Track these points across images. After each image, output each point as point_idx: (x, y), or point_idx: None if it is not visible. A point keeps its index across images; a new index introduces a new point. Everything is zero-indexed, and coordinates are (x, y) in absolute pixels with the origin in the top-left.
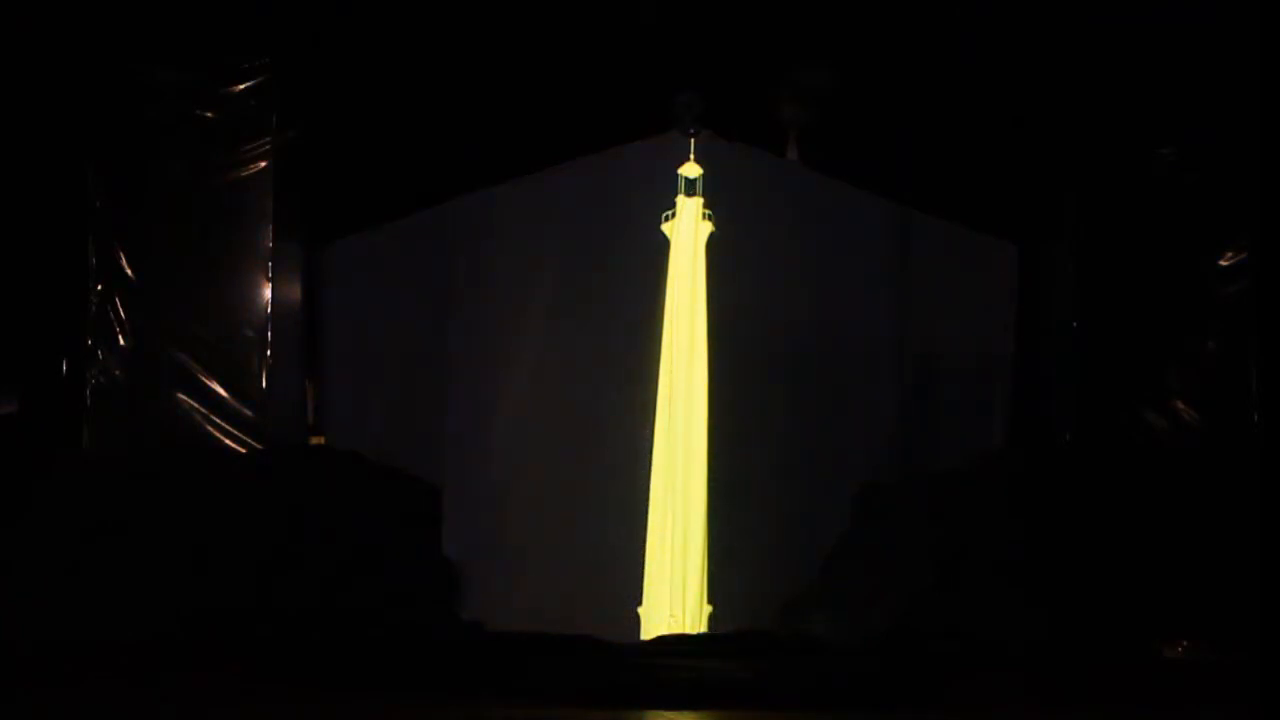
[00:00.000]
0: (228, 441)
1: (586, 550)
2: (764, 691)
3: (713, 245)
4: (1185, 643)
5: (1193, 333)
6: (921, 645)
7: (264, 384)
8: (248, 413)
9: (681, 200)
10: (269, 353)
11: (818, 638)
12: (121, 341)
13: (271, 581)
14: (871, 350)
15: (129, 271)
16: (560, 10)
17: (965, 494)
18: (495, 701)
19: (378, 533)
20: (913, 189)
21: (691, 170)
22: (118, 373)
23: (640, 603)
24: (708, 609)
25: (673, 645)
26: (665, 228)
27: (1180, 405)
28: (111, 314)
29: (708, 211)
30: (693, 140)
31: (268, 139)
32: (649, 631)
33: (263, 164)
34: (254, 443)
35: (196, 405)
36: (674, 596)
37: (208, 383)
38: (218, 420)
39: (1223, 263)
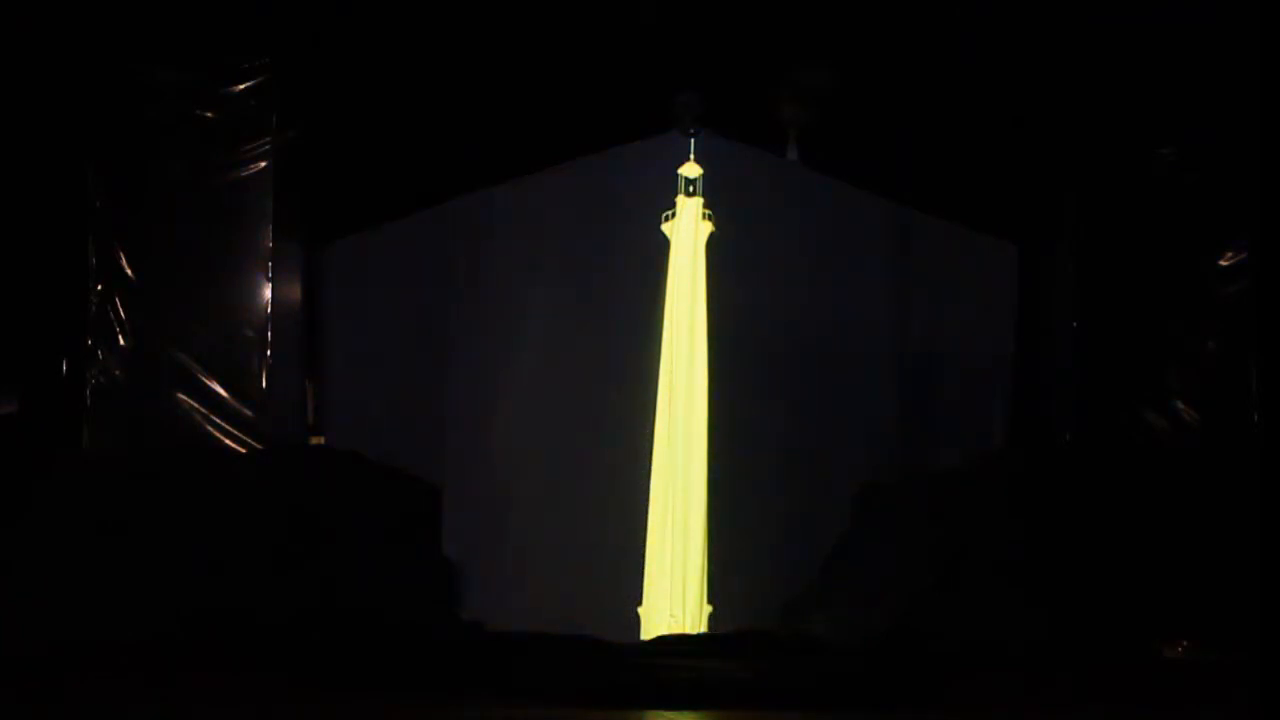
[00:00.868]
0: (228, 441)
1: (586, 550)
2: (764, 691)
3: (713, 245)
4: (1185, 643)
5: (1193, 333)
6: (921, 645)
7: (264, 384)
8: (248, 413)
9: (681, 200)
10: (269, 353)
11: (818, 638)
12: (121, 341)
13: (271, 581)
14: (871, 350)
15: (129, 271)
16: (560, 10)
17: (965, 494)
18: (495, 701)
19: (378, 533)
20: (913, 189)
21: (691, 170)
22: (118, 373)
23: (640, 603)
24: (708, 609)
25: (673, 645)
26: (665, 228)
27: (1180, 405)
28: (111, 314)
29: (708, 211)
30: (693, 140)
31: (268, 139)
32: (649, 631)
33: (263, 164)
34: (254, 443)
35: (196, 405)
36: (674, 596)
37: (208, 383)
38: (218, 420)
39: (1223, 263)
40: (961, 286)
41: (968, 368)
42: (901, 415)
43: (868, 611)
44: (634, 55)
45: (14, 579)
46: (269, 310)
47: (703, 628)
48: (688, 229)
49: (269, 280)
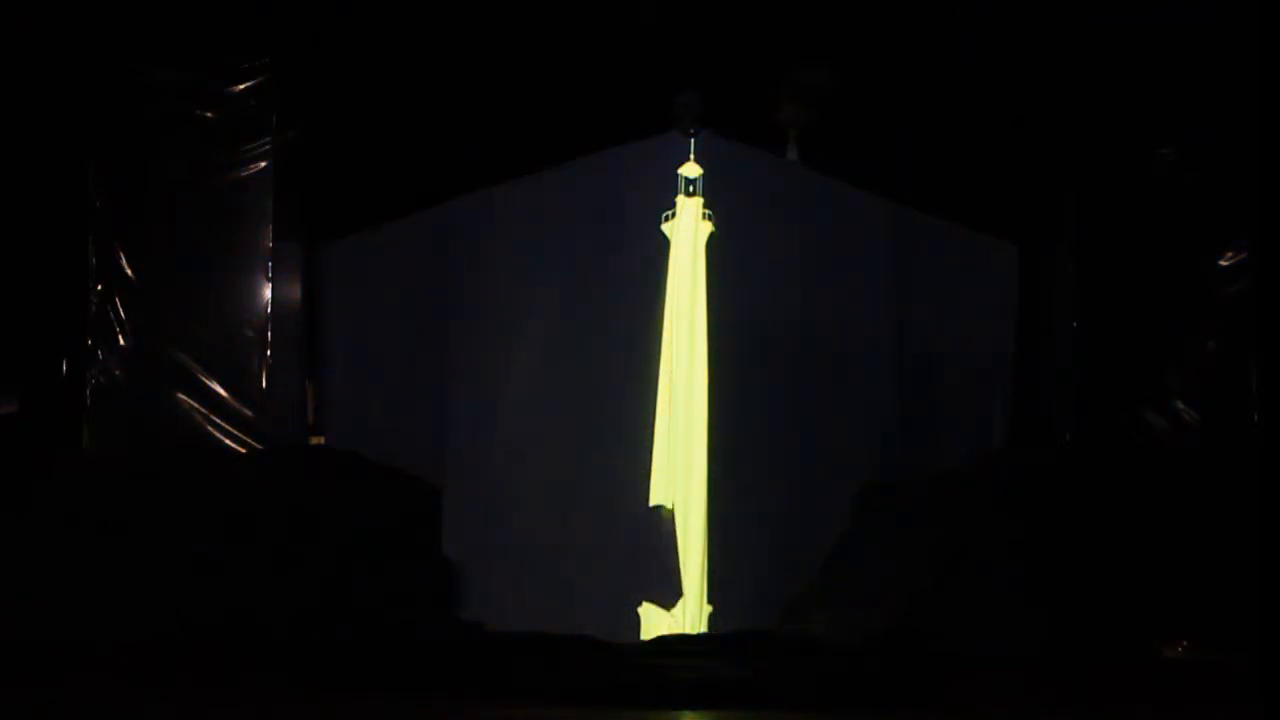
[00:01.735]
0: (228, 441)
1: (586, 550)
2: (764, 691)
3: (713, 245)
4: (1185, 643)
5: (1193, 333)
6: (921, 645)
7: (264, 384)
8: (248, 413)
9: (681, 200)
10: (269, 353)
11: (818, 638)
12: (121, 341)
13: (271, 581)
14: (871, 350)
15: (129, 271)
16: (560, 10)
17: (965, 494)
18: (495, 701)
19: (378, 533)
20: (913, 189)
21: (691, 170)
22: (118, 373)
23: (640, 603)
24: (708, 609)
25: (673, 645)
26: (665, 228)
27: (1180, 405)
28: (111, 314)
29: (708, 211)
30: (693, 140)
31: (268, 139)
32: (649, 631)
33: (263, 164)
34: (254, 443)
35: (196, 405)
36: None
37: (208, 383)
38: (218, 420)
39: (1223, 263)
40: (961, 286)
41: (968, 368)
42: (901, 415)
43: (868, 611)
44: (634, 55)
45: (14, 579)
46: (269, 310)
47: (703, 628)
48: (688, 229)
49: (269, 280)
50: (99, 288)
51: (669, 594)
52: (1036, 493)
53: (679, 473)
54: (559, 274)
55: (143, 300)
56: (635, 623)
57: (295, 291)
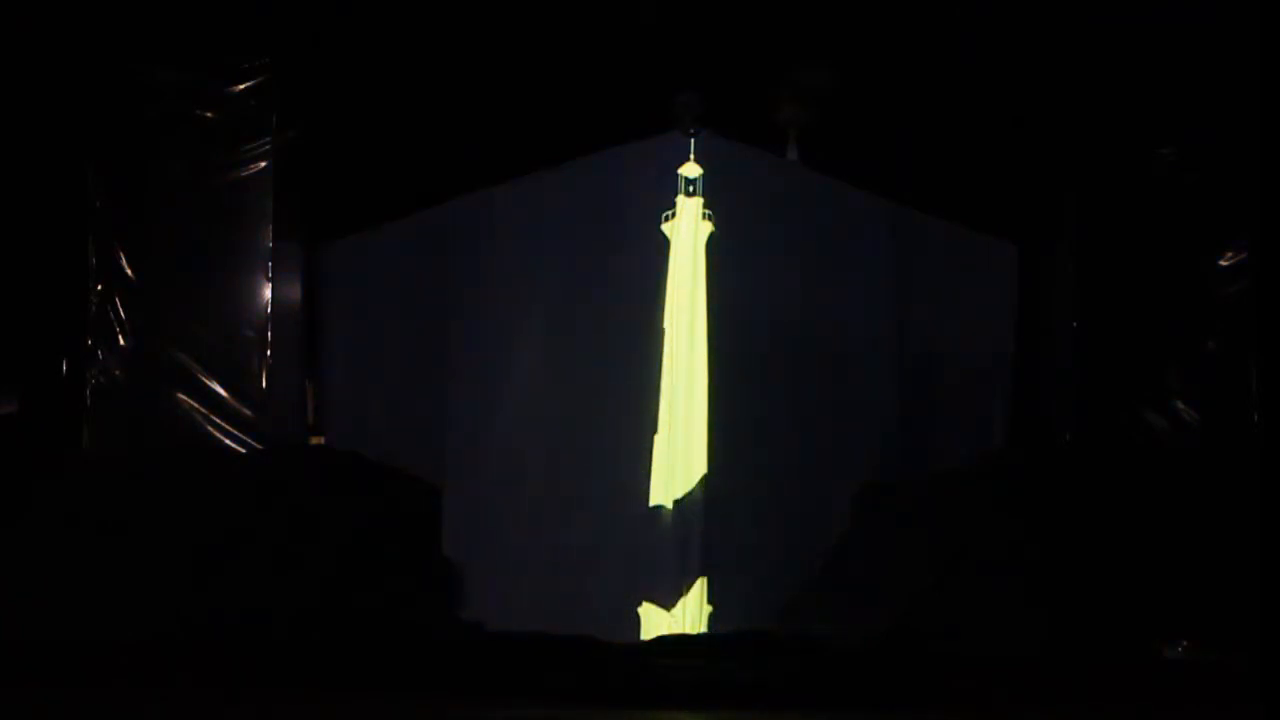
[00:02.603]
0: (228, 441)
1: (586, 550)
2: (764, 691)
3: (713, 245)
4: (1185, 643)
5: (1193, 333)
6: (921, 645)
7: (264, 384)
8: (248, 413)
9: (681, 200)
10: (269, 353)
11: (818, 638)
12: (121, 341)
13: (271, 581)
14: (871, 350)
15: (129, 271)
16: (560, 10)
17: (965, 494)
18: (495, 701)
19: (378, 533)
20: (913, 189)
21: (691, 170)
22: (118, 373)
23: (640, 603)
24: (708, 609)
25: (673, 645)
26: (665, 228)
27: (1180, 405)
28: (111, 314)
29: (708, 211)
30: (693, 140)
31: (268, 139)
32: (649, 631)
33: (263, 164)
34: (254, 443)
35: (196, 405)
36: (674, 596)
37: (208, 383)
38: (218, 420)
39: (1223, 263)
40: (961, 286)
41: (968, 368)
42: (901, 415)
43: (868, 611)
44: (634, 55)
45: (14, 579)
46: (269, 310)
47: (703, 628)
48: (688, 229)
49: (269, 280)
50: (99, 288)
51: (669, 594)
52: (1036, 493)
53: (679, 473)
54: (559, 274)
55: (143, 300)
56: (635, 623)
57: (295, 291)
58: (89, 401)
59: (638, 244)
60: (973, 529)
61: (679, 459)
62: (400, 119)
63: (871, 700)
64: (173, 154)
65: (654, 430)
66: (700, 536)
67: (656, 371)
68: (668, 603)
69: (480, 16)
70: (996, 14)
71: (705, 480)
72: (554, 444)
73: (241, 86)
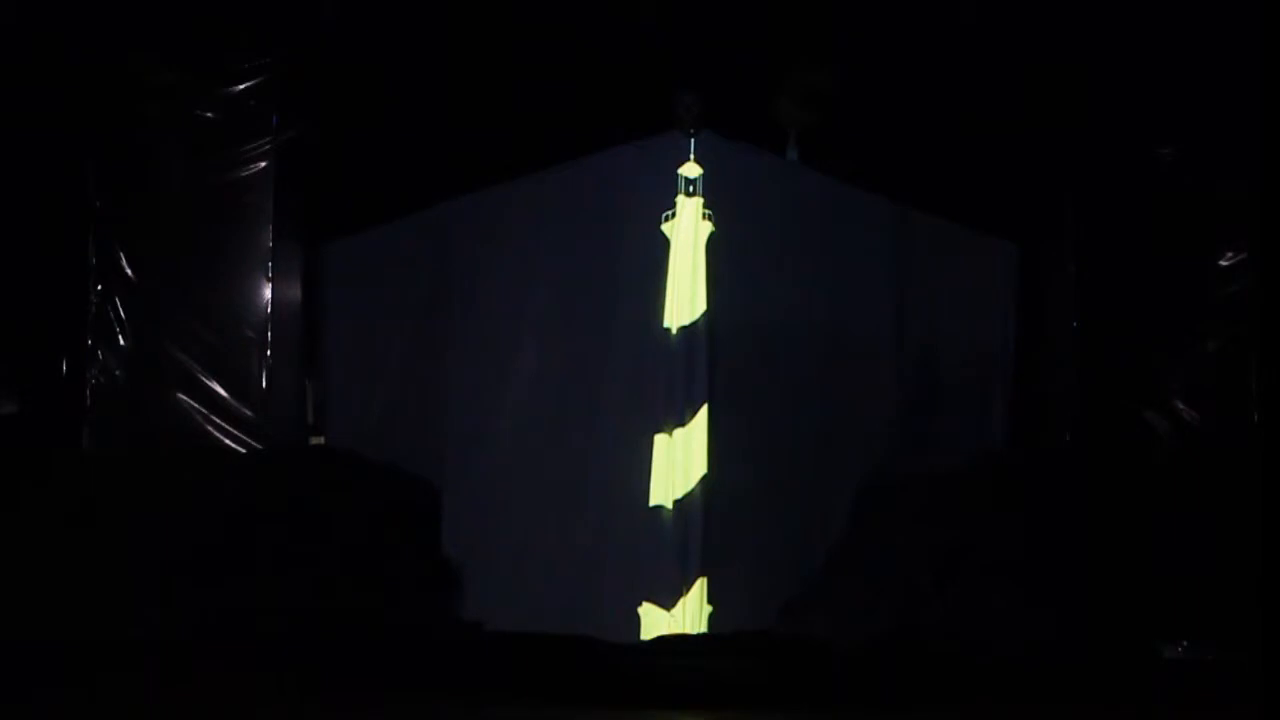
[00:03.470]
0: (228, 441)
1: (586, 550)
2: (764, 691)
3: (713, 245)
4: (1185, 643)
5: (1193, 333)
6: (921, 645)
7: (264, 384)
8: (248, 413)
9: (681, 200)
10: (269, 353)
11: (818, 638)
12: (121, 341)
13: (271, 581)
14: (871, 350)
15: (129, 271)
16: (560, 10)
17: (965, 494)
18: (495, 701)
19: (378, 533)
20: (912, 189)
21: (691, 170)
22: (118, 373)
23: (640, 603)
24: (708, 609)
25: (673, 645)
26: (665, 228)
27: (1180, 405)
28: (111, 314)
29: (708, 211)
30: (693, 140)
31: (268, 139)
32: (649, 631)
33: (263, 164)
34: (254, 443)
35: (196, 405)
36: (674, 596)
37: (208, 383)
38: (218, 420)
39: (1223, 263)
40: (961, 286)
41: (967, 368)
42: (901, 415)
43: (868, 611)
44: (634, 55)
45: (13, 579)
46: (269, 310)
47: (703, 628)
48: (688, 229)
49: (269, 280)
50: (99, 288)
51: (669, 594)
52: (1036, 493)
53: (679, 473)
54: (559, 274)
55: (143, 300)
56: (635, 623)
57: (295, 291)
58: (89, 401)
59: (638, 244)
60: (973, 529)
61: (679, 459)
62: (400, 119)
63: (871, 700)
64: (173, 154)
65: (654, 430)
66: (700, 536)
67: (656, 372)
68: (668, 603)
69: (480, 16)
70: (996, 14)
71: (705, 480)
72: (554, 444)
73: (241, 86)
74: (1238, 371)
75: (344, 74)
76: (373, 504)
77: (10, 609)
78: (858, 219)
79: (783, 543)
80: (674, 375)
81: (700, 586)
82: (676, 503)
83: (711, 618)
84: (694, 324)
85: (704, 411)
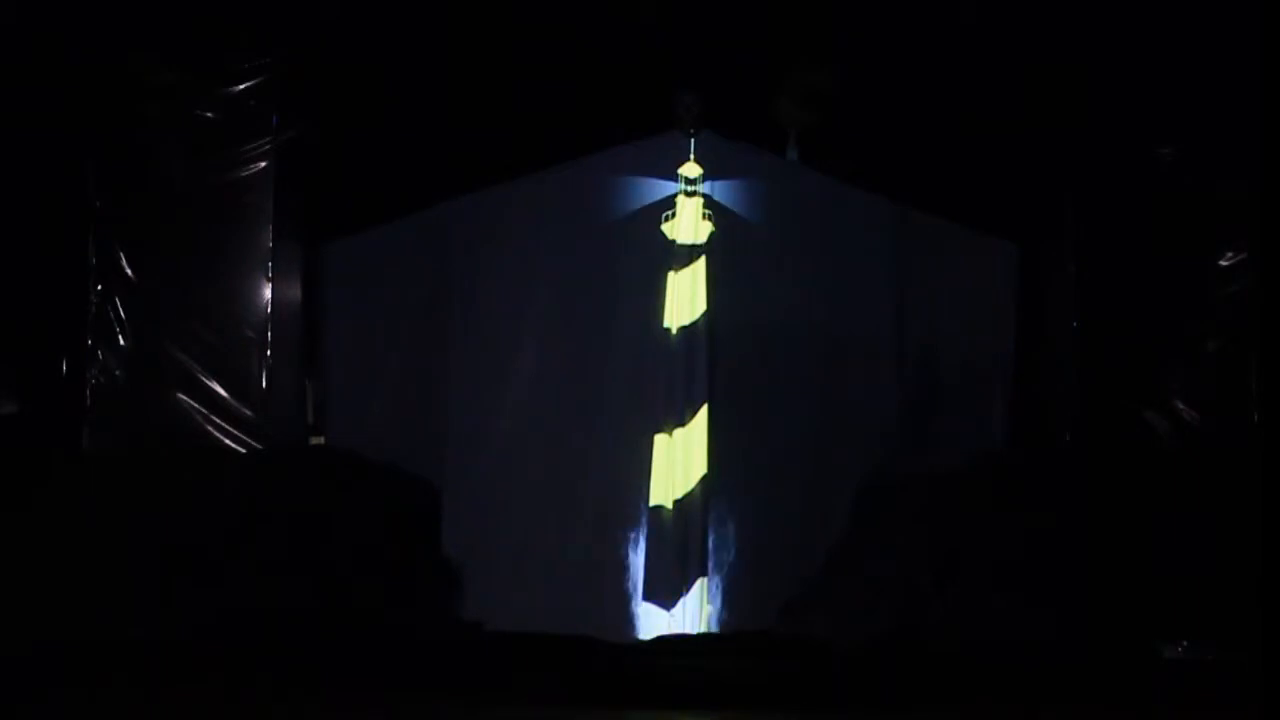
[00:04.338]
0: (228, 441)
1: (586, 550)
2: (764, 691)
3: (712, 245)
4: (1185, 643)
5: (1193, 333)
6: (921, 645)
7: (264, 384)
8: (248, 413)
9: (681, 200)
10: (269, 353)
11: (818, 638)
12: (121, 341)
13: (271, 581)
14: (871, 350)
15: (129, 271)
16: (560, 10)
17: (966, 494)
18: (495, 701)
19: (378, 533)
20: (912, 189)
21: (691, 170)
22: (118, 373)
23: (640, 603)
24: (708, 609)
25: (673, 645)
26: (665, 228)
27: (1180, 405)
28: (111, 314)
29: (708, 211)
30: (693, 140)
31: (268, 139)
32: (649, 631)
33: (263, 164)
34: (254, 443)
35: (196, 405)
36: (674, 596)
37: (208, 383)
38: (218, 420)
39: (1223, 263)
40: (961, 286)
41: (968, 368)
42: (901, 415)
43: (868, 611)
44: (634, 55)
45: (13, 579)
46: (269, 310)
47: (703, 628)
48: (688, 229)
49: (269, 280)
50: (99, 288)
51: (669, 594)
52: (1036, 493)
53: (679, 473)
54: (559, 274)
55: (143, 300)
56: (635, 623)
57: (295, 291)
58: (89, 401)
59: (638, 244)
60: (973, 529)
61: (679, 459)
62: (400, 119)
63: (871, 700)
64: (173, 154)
65: (654, 430)
66: (700, 536)
67: (656, 371)
68: (668, 603)
69: (480, 16)
70: (996, 14)
71: (705, 480)
72: (554, 444)
73: (241, 86)
74: (1238, 371)
75: (344, 74)
76: (373, 504)
77: (11, 609)
78: (858, 219)
79: (783, 543)
80: (674, 375)
81: (700, 586)
82: (676, 503)
83: (711, 618)
84: (694, 324)
85: (704, 411)
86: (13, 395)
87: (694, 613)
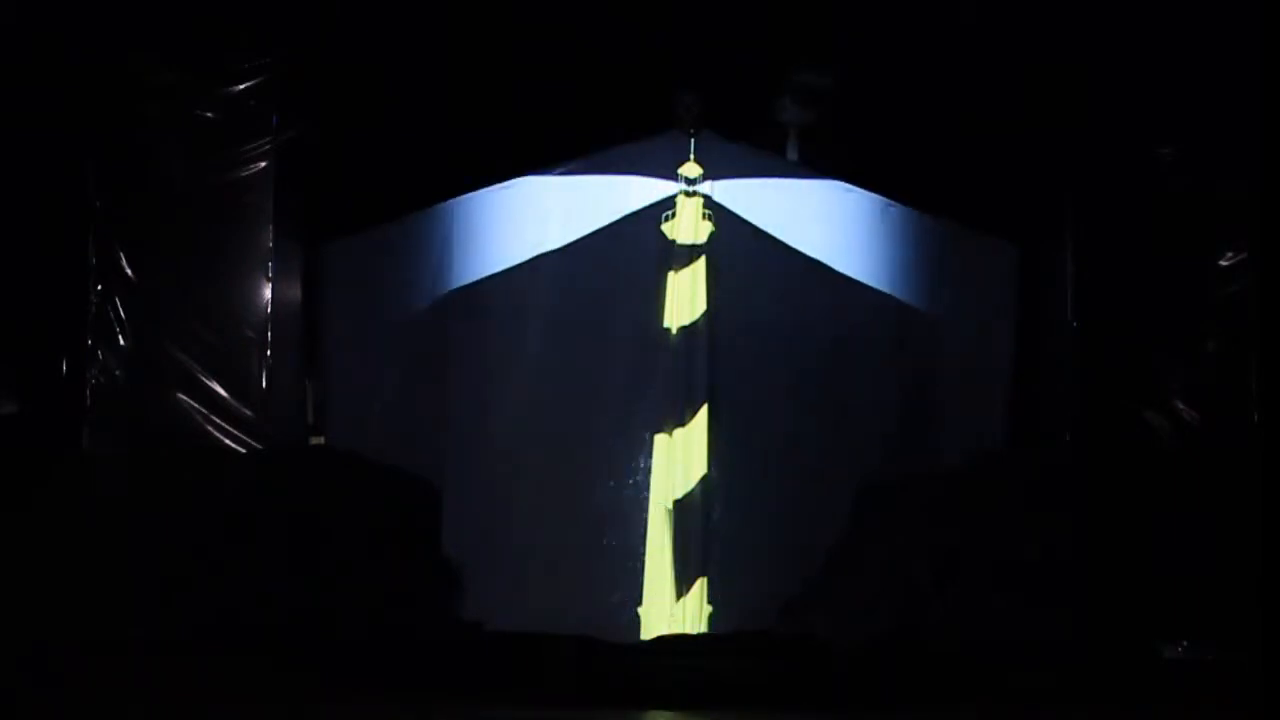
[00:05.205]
0: (228, 441)
1: (586, 551)
2: (764, 691)
3: (712, 245)
4: (1185, 643)
5: (1193, 333)
6: (921, 645)
7: (264, 384)
8: (248, 413)
9: (681, 200)
10: (269, 353)
11: (818, 638)
12: (121, 341)
13: (271, 582)
14: (871, 350)
15: (129, 271)
16: (560, 10)
17: (965, 494)
18: (495, 701)
19: (378, 533)
20: (913, 189)
21: (691, 170)
22: (118, 373)
23: (640, 603)
24: (708, 609)
25: (673, 645)
26: (665, 228)
27: (1180, 405)
28: (111, 314)
29: (708, 211)
30: (693, 140)
31: (268, 139)
32: (649, 631)
33: (263, 164)
34: (254, 443)
35: (196, 405)
36: (674, 596)
37: (208, 383)
38: (218, 420)
39: (1223, 263)
40: (961, 286)
41: (968, 367)
42: (901, 415)
43: (868, 611)
44: (634, 55)
45: (13, 579)
46: (269, 310)
47: (703, 628)
48: (688, 229)
49: (269, 280)
50: (99, 288)
51: (669, 593)
52: (1036, 492)
53: (679, 473)
54: (559, 274)
55: (143, 300)
56: (635, 623)
57: (295, 291)
58: (89, 401)
59: (638, 244)
60: (973, 529)
61: (679, 459)
62: (400, 119)
63: (871, 700)
64: (173, 154)
65: (654, 430)
66: (700, 536)
67: (656, 372)
68: (668, 602)
69: (480, 16)
70: (996, 14)
71: (705, 480)
72: (554, 444)
73: (241, 86)
74: (1238, 371)
75: (344, 74)
76: (373, 504)
77: (11, 609)
78: (858, 219)
79: (783, 543)
80: (674, 375)
81: (700, 586)
82: (676, 503)
83: (711, 618)
84: (694, 324)
85: (704, 411)
86: (13, 395)
87: (694, 613)
